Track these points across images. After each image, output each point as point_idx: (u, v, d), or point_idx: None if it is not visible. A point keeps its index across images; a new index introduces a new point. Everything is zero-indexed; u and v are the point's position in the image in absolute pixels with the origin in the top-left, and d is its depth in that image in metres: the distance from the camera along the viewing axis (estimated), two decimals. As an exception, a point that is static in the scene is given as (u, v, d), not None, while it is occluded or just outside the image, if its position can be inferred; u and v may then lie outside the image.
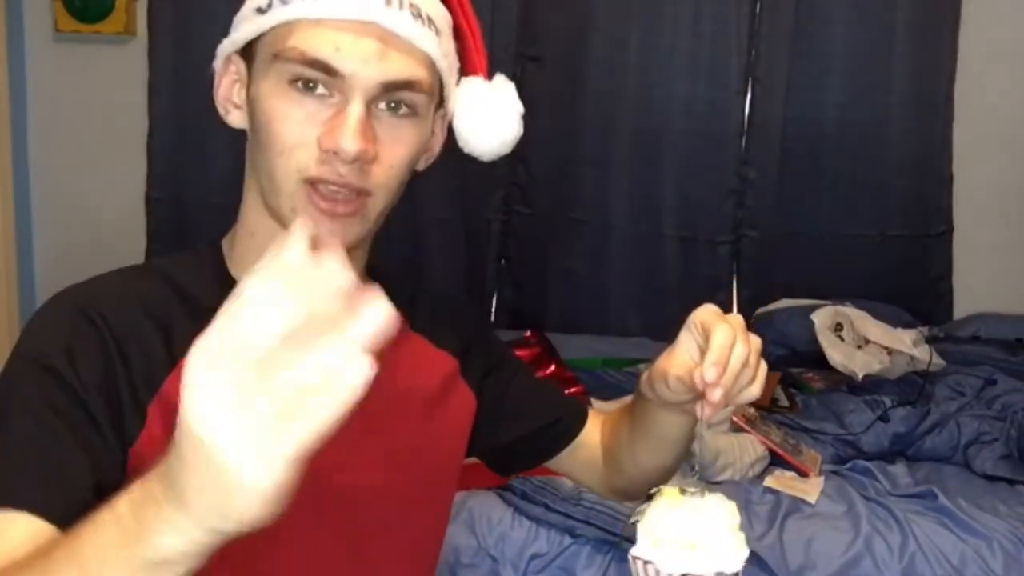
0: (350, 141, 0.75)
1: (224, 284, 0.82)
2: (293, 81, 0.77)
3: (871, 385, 2.04)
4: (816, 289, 2.56)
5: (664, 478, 0.96)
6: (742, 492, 1.63)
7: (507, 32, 2.64)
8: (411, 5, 0.79)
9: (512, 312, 2.84)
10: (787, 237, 2.74)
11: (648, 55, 2.64)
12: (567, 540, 1.53)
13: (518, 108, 0.89)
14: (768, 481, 1.67)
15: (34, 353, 0.74)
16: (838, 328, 2.09)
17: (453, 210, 2.72)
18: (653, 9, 2.62)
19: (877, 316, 2.30)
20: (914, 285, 2.74)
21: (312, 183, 0.77)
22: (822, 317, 2.10)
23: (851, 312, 2.14)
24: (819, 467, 1.75)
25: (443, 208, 2.72)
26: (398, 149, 0.80)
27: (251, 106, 0.82)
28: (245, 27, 0.82)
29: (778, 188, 2.70)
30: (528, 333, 2.00)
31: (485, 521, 1.55)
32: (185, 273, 0.85)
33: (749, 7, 2.61)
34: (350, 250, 0.81)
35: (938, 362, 2.10)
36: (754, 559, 1.50)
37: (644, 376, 0.89)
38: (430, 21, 0.80)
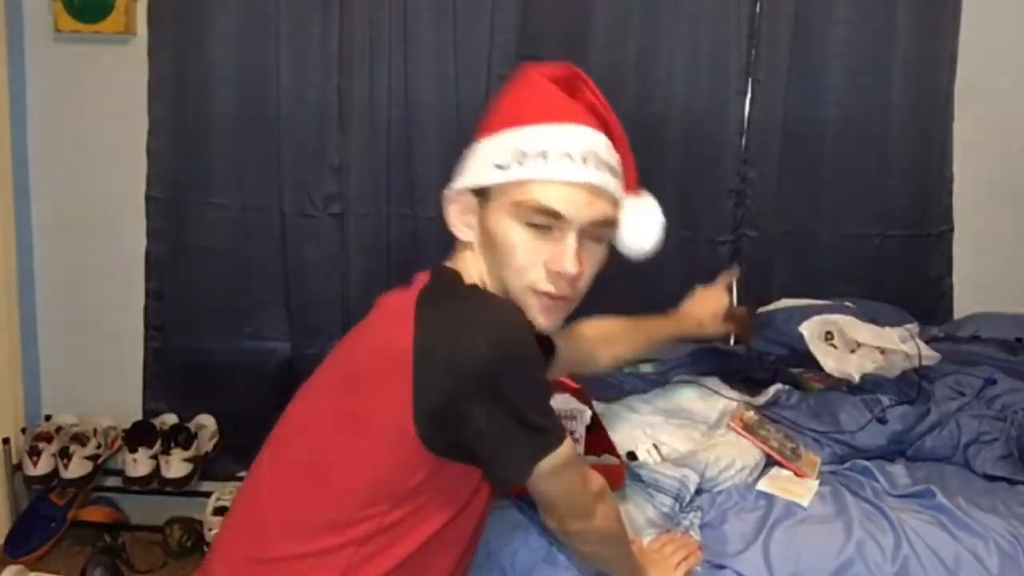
0: (570, 265, 1.15)
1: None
2: (528, 222, 1.14)
3: (870, 384, 2.04)
4: (816, 289, 2.56)
5: None
6: (734, 497, 1.62)
7: (507, 32, 2.64)
8: (606, 164, 1.18)
9: (512, 312, 2.84)
10: (787, 237, 2.74)
11: (648, 55, 2.64)
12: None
13: (661, 219, 1.32)
14: (762, 484, 1.66)
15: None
16: (828, 337, 2.10)
17: (453, 210, 2.71)
18: (653, 9, 2.62)
19: (877, 316, 2.30)
20: (914, 285, 2.74)
21: (537, 293, 1.17)
22: (811, 328, 2.11)
23: (839, 319, 2.15)
24: (818, 470, 1.74)
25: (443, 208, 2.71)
26: (593, 266, 1.21)
27: (489, 233, 1.18)
28: (484, 175, 1.18)
29: (778, 188, 2.70)
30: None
31: (496, 530, 1.52)
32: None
33: (749, 7, 2.61)
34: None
35: (930, 354, 2.10)
36: (745, 564, 1.48)
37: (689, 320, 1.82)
38: (613, 171, 1.19)
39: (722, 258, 2.74)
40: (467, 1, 2.62)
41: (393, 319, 1.14)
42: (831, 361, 2.04)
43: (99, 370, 2.91)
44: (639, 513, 1.54)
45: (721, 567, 1.48)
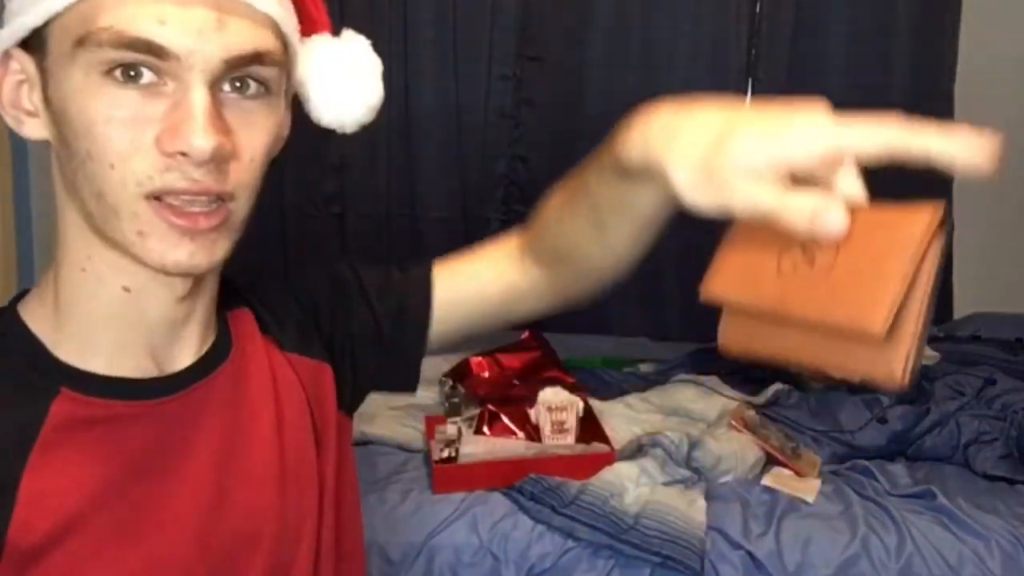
0: (201, 137, 0.60)
1: (58, 376, 0.69)
2: (109, 71, 0.60)
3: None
4: (816, 289, 2.55)
5: (637, 257, 0.80)
6: (740, 492, 1.63)
7: (507, 32, 2.64)
8: None
9: (512, 312, 2.84)
10: (787, 237, 2.74)
11: (648, 55, 2.64)
12: (570, 543, 1.53)
13: (376, 65, 0.80)
14: (767, 479, 1.67)
15: None
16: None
17: (453, 210, 2.72)
18: (653, 9, 2.62)
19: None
20: (914, 285, 2.74)
21: (158, 197, 0.62)
22: None
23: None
24: (818, 470, 1.75)
25: (443, 208, 2.72)
26: (256, 137, 0.66)
27: (55, 111, 0.63)
28: (30, 11, 0.62)
29: (778, 188, 2.70)
30: (526, 334, 2.00)
31: (488, 520, 1.55)
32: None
33: (749, 7, 2.61)
34: (205, 273, 0.68)
35: (930, 354, 2.11)
36: (751, 559, 1.50)
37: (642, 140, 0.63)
38: None
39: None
40: (467, 1, 2.63)
41: None
42: (831, 362, 2.05)
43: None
44: (631, 468, 1.58)
45: (737, 547, 1.50)
